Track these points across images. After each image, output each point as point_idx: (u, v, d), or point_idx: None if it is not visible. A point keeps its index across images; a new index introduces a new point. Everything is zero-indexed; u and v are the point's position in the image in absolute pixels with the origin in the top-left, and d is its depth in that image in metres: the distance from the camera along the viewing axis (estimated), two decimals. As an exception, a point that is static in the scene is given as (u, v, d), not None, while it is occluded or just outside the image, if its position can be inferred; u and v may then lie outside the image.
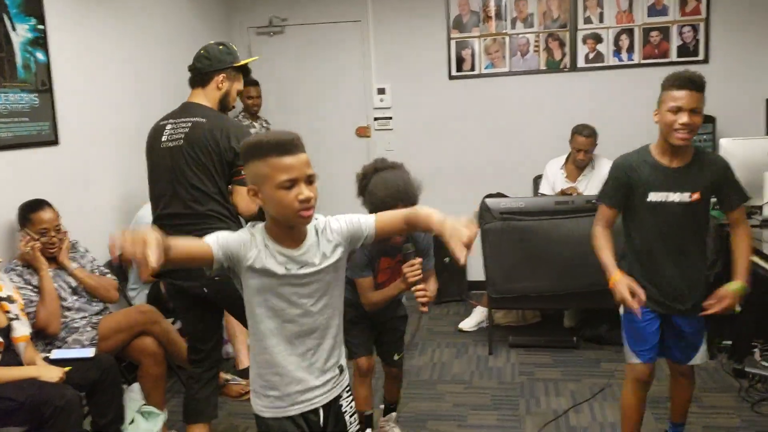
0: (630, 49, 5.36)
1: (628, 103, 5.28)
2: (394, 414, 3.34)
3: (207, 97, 2.91)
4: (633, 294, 2.53)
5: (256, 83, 5.33)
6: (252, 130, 5.30)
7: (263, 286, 1.81)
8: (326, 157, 5.84)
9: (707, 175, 2.58)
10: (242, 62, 2.97)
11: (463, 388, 3.87)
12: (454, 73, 5.60)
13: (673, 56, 5.30)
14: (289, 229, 1.81)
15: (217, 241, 1.74)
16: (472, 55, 5.56)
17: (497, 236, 4.20)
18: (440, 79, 5.63)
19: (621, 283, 2.56)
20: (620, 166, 2.67)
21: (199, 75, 2.92)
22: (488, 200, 4.34)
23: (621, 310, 2.76)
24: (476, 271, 5.58)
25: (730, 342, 4.11)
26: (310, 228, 1.86)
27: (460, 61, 5.58)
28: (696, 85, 2.47)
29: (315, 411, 1.92)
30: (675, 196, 2.57)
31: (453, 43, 5.56)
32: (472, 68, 5.58)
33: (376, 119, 5.77)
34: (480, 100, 5.60)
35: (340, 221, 1.92)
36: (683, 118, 2.44)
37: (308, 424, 1.91)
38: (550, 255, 4.14)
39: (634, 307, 2.51)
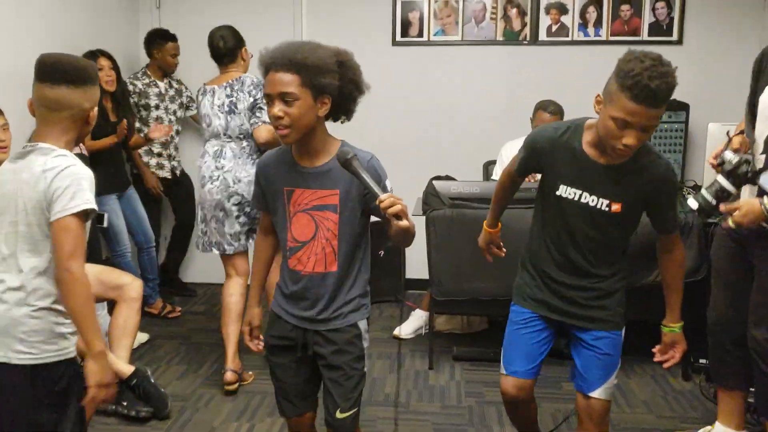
0: (597, 24, 4.73)
1: (592, 84, 4.53)
2: None
3: None
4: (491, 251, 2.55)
5: (174, 38, 4.49)
6: (153, 91, 4.44)
7: None
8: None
9: (641, 184, 2.03)
10: None
11: (399, 413, 3.13)
12: (398, 38, 4.84)
13: (644, 34, 4.71)
14: None
15: None
16: (420, 19, 4.82)
17: (445, 226, 3.48)
18: (382, 43, 4.86)
19: (483, 237, 2.52)
20: (534, 144, 2.17)
21: None
22: (436, 183, 3.62)
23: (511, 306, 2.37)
24: (414, 268, 4.89)
25: (705, 361, 3.53)
26: None
27: (405, 25, 4.83)
28: (658, 101, 1.83)
29: None
30: (590, 200, 2.05)
31: (399, 3, 4.80)
32: (420, 34, 4.84)
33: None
34: (427, 70, 4.87)
35: None
36: (629, 139, 1.87)
37: None
38: (508, 251, 3.44)
39: (486, 256, 2.55)
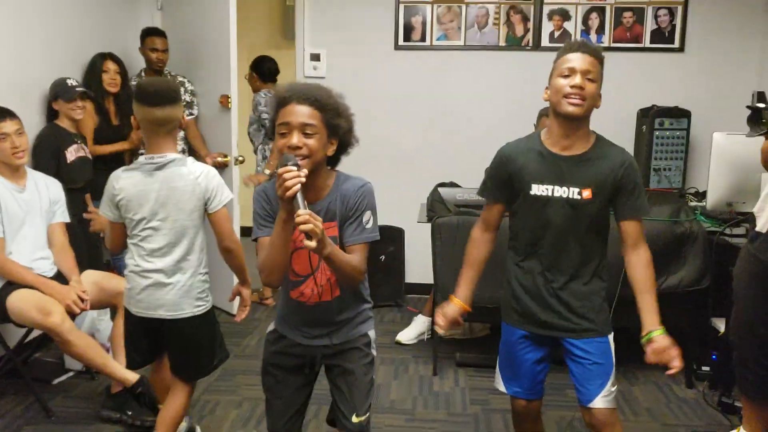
0: (600, 30, 4.75)
1: None
2: None
3: None
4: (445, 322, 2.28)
5: (161, 34, 4.40)
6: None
7: None
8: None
9: (604, 170, 2.11)
10: None
11: (405, 420, 3.12)
12: (401, 42, 4.84)
13: (646, 41, 4.72)
14: None
15: None
16: (423, 24, 4.82)
17: (451, 233, 3.47)
18: (385, 48, 4.85)
19: (448, 307, 2.29)
20: (501, 155, 2.25)
21: None
22: (442, 189, 3.63)
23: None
24: (414, 273, 4.90)
25: (708, 368, 3.54)
26: None
27: (408, 30, 4.83)
28: (590, 49, 2.09)
29: None
30: (561, 191, 2.12)
31: (402, 7, 4.80)
32: (422, 38, 4.83)
33: (307, 90, 4.93)
34: (429, 75, 4.87)
35: None
36: (575, 79, 2.03)
37: None
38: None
39: (438, 323, 2.28)
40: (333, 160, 2.02)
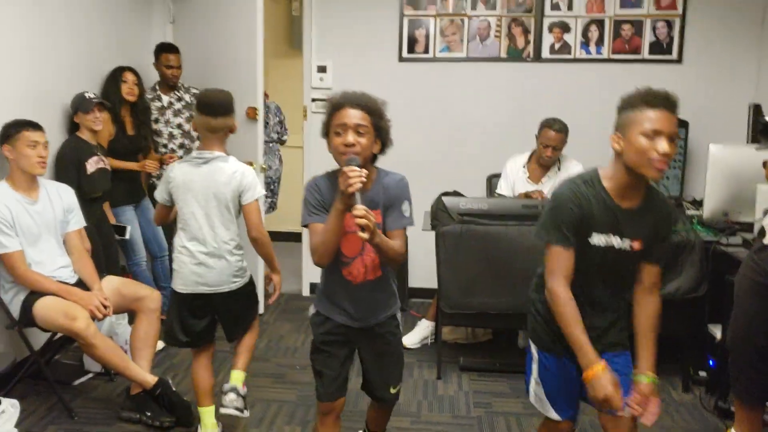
0: (599, 42, 4.87)
1: (594, 100, 4.78)
2: None
3: None
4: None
5: (175, 50, 4.55)
6: (155, 105, 4.50)
7: None
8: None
9: (654, 223, 2.17)
10: None
11: (410, 422, 3.24)
12: (405, 54, 4.97)
13: (645, 53, 4.85)
14: None
15: None
16: (426, 36, 4.95)
17: (455, 241, 3.60)
18: (389, 60, 4.98)
19: (605, 378, 2.03)
20: (575, 197, 2.12)
21: None
22: (446, 199, 3.75)
23: (533, 350, 2.34)
24: (417, 278, 5.02)
25: (704, 374, 3.66)
26: None
27: (412, 42, 4.96)
28: (673, 105, 2.02)
29: None
30: (616, 241, 2.14)
31: (406, 20, 4.93)
32: (426, 50, 4.96)
33: (314, 100, 5.07)
34: (432, 86, 5.00)
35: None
36: (664, 145, 1.96)
37: None
38: (515, 266, 3.56)
39: (618, 407, 2.05)
40: (371, 159, 2.30)
